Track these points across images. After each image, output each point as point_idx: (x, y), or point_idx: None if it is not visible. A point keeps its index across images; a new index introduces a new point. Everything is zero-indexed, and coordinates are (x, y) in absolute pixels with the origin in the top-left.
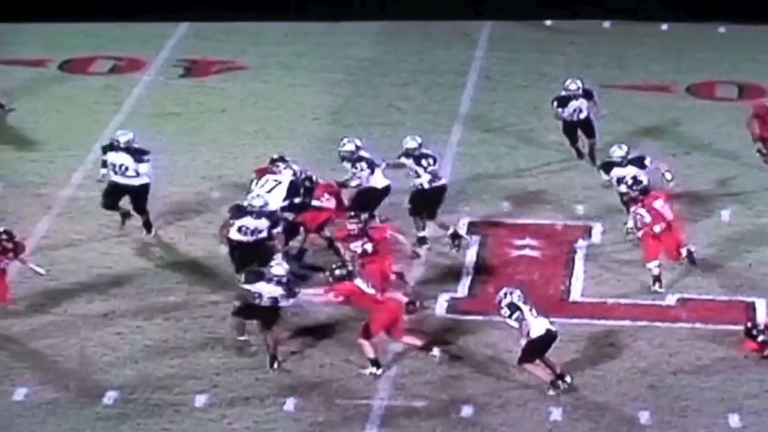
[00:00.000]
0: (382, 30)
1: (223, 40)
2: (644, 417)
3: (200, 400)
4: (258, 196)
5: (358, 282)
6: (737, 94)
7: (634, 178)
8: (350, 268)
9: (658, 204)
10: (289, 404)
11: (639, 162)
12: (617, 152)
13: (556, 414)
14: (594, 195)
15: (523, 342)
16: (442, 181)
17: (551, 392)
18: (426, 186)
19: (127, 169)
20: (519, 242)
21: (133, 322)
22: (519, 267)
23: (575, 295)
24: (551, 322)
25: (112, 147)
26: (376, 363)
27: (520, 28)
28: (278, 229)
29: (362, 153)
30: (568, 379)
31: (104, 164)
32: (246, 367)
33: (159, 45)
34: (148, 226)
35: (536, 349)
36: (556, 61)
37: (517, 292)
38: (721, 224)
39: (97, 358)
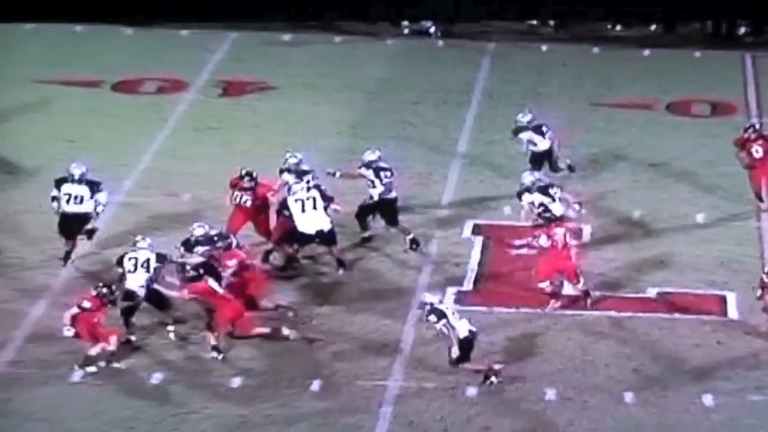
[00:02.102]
0: (395, 53)
1: (256, 63)
2: (628, 397)
3: (236, 382)
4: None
5: (211, 283)
6: (710, 111)
7: (543, 205)
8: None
9: (560, 232)
10: (315, 386)
11: (545, 190)
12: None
13: (551, 394)
14: (585, 200)
15: (455, 345)
16: (393, 195)
17: (494, 380)
18: (376, 198)
19: (82, 199)
20: (518, 242)
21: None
22: (517, 264)
23: (568, 288)
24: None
25: (66, 180)
26: (217, 349)
27: (519, 52)
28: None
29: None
30: (495, 375)
31: (54, 199)
32: (276, 353)
33: (199, 68)
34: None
35: (467, 347)
36: (550, 81)
37: (438, 297)
38: (697, 226)
39: (151, 341)
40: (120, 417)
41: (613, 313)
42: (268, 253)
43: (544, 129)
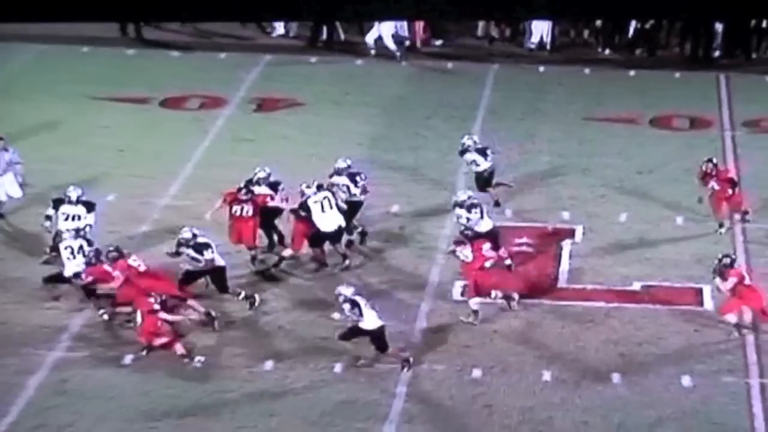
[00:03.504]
0: (410, 74)
1: (286, 82)
2: (616, 378)
3: (268, 364)
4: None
5: (106, 267)
6: (689, 125)
7: (469, 220)
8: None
9: (486, 247)
10: (338, 368)
11: (473, 208)
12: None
13: (547, 376)
14: (577, 204)
15: (350, 325)
16: (362, 198)
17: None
18: (351, 199)
19: (80, 218)
20: (518, 240)
21: (218, 304)
22: (518, 260)
23: (562, 282)
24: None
25: (63, 201)
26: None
27: (519, 73)
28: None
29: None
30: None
31: (48, 218)
32: (303, 338)
33: (236, 86)
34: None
35: (380, 337)
36: (546, 98)
37: (352, 288)
38: (677, 227)
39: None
40: (165, 395)
41: (602, 304)
42: (281, 259)
43: (488, 152)
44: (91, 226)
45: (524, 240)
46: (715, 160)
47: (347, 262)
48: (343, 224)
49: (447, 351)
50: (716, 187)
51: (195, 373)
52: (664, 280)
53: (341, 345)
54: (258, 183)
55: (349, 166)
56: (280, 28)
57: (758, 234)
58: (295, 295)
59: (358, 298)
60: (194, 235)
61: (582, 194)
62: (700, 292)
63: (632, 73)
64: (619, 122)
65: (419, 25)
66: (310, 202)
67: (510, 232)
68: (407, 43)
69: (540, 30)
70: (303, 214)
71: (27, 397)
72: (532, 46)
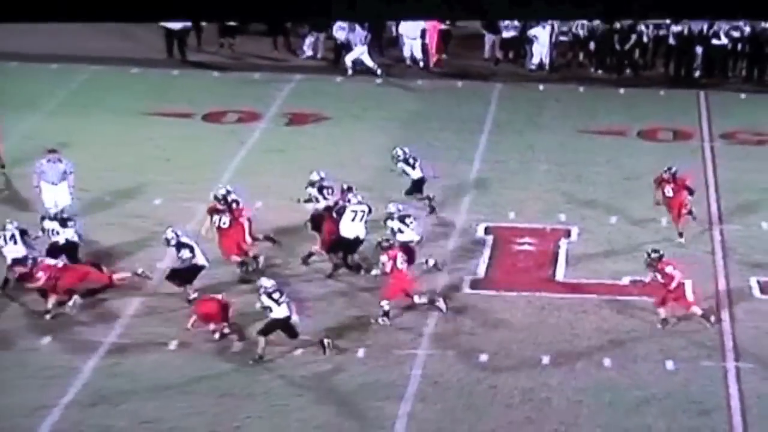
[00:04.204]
0: (423, 91)
1: (314, 99)
2: (607, 362)
3: (298, 351)
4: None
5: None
6: (672, 137)
7: (393, 232)
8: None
9: (400, 258)
10: (360, 353)
11: (402, 219)
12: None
13: (545, 360)
14: (572, 207)
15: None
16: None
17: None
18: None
19: (58, 233)
20: (519, 240)
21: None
22: (519, 257)
23: (559, 277)
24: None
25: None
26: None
27: (520, 91)
28: None
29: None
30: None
31: (43, 230)
32: (330, 326)
33: (270, 102)
34: None
35: (289, 326)
36: (545, 113)
37: (272, 282)
38: (660, 229)
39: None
40: (205, 376)
41: (595, 297)
42: (309, 255)
43: (412, 161)
44: (68, 240)
45: (525, 239)
46: (674, 169)
47: (362, 272)
48: (363, 237)
49: (456, 338)
50: (670, 194)
51: (233, 357)
52: (647, 275)
53: (363, 332)
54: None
55: (321, 179)
56: (308, 50)
57: (735, 234)
58: (322, 289)
59: (275, 291)
60: (177, 235)
61: (576, 198)
62: (681, 285)
63: (621, 90)
64: (609, 134)
65: (432, 47)
66: (348, 209)
67: (512, 232)
68: (421, 63)
69: (540, 53)
70: (335, 216)
71: (83, 379)
72: (533, 67)
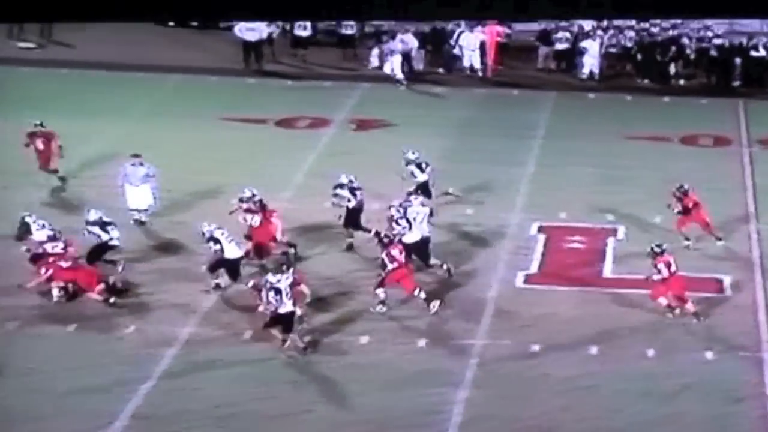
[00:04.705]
0: (481, 99)
1: (380, 106)
2: (650, 353)
3: (363, 339)
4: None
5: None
6: (713, 143)
7: (402, 229)
8: None
9: (396, 252)
10: (421, 343)
11: (398, 220)
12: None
13: (593, 350)
14: (619, 208)
15: (270, 314)
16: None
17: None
18: (353, 206)
19: (99, 235)
20: (570, 238)
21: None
22: (570, 254)
23: (606, 273)
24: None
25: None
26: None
27: (572, 99)
28: None
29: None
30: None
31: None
32: (395, 318)
33: (339, 109)
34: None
35: (281, 321)
36: (593, 120)
37: (278, 276)
38: (698, 228)
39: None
40: (275, 365)
41: (640, 291)
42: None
43: (424, 165)
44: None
45: (575, 238)
46: (686, 187)
47: (445, 266)
48: (427, 235)
49: (511, 329)
50: (678, 210)
51: (298, 346)
52: (691, 271)
53: (424, 324)
54: (242, 200)
55: (351, 181)
56: (375, 60)
57: None
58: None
59: (281, 286)
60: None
61: (623, 200)
62: (721, 282)
63: (666, 99)
64: (653, 140)
65: (490, 59)
66: (409, 212)
67: (563, 231)
68: (480, 73)
69: (590, 64)
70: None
71: (164, 365)
72: (584, 77)
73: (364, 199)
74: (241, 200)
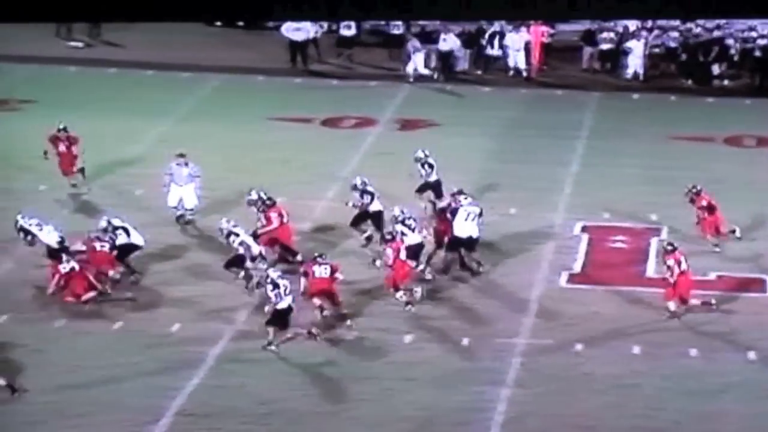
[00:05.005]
0: (524, 99)
1: (425, 106)
2: (693, 352)
3: (407, 338)
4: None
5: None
6: (756, 144)
7: (396, 232)
8: None
9: (389, 251)
10: (465, 341)
11: (404, 221)
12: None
13: (636, 350)
14: (662, 208)
15: (271, 309)
16: (380, 207)
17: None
18: (371, 210)
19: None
20: (613, 238)
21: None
22: (613, 254)
23: (649, 272)
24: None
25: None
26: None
27: (615, 99)
28: None
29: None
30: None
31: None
32: (438, 317)
33: (384, 109)
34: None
35: (280, 317)
36: (637, 121)
37: (278, 272)
38: (743, 227)
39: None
40: (322, 362)
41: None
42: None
43: (434, 165)
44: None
45: (619, 237)
46: (699, 188)
47: (481, 268)
48: (476, 236)
49: (554, 329)
50: (699, 214)
51: (347, 345)
52: (734, 271)
53: (468, 323)
54: (249, 202)
55: (364, 183)
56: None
57: None
58: (428, 287)
59: (280, 281)
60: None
61: (666, 200)
62: (763, 281)
63: (710, 100)
64: (697, 140)
65: (534, 59)
66: (461, 210)
67: (607, 231)
68: (524, 74)
69: (634, 64)
70: (449, 216)
71: (209, 363)
72: (628, 77)
73: (375, 202)
74: (248, 203)
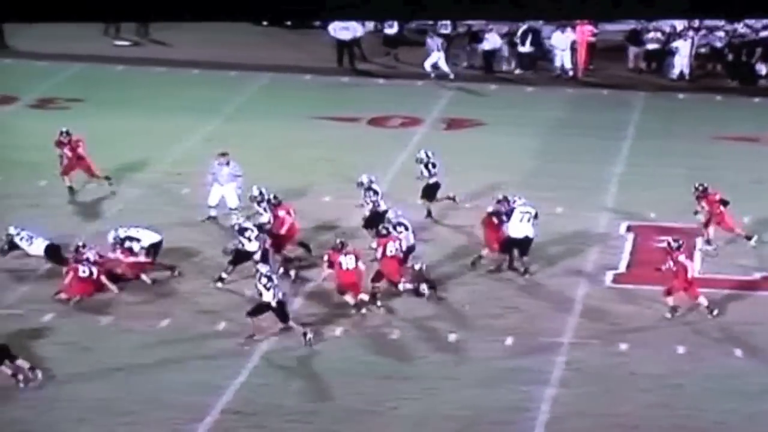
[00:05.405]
0: (570, 99)
1: (471, 106)
2: (737, 352)
3: (451, 337)
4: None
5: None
6: None
7: (385, 228)
8: None
9: (391, 246)
10: (509, 341)
11: (395, 226)
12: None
13: (680, 350)
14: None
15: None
16: (384, 207)
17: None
18: (380, 209)
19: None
20: (659, 238)
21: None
22: (656, 255)
23: (694, 272)
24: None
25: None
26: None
27: (661, 99)
28: None
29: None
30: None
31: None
32: (483, 316)
33: (431, 109)
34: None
35: (266, 309)
36: (683, 121)
37: (267, 267)
38: None
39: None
40: (365, 361)
41: (727, 291)
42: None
43: (432, 166)
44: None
45: (664, 237)
46: (705, 185)
47: (527, 273)
48: (531, 236)
49: (599, 328)
50: (705, 208)
51: (391, 344)
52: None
53: (512, 322)
54: (252, 199)
55: (371, 182)
56: (465, 60)
57: None
58: (474, 287)
59: (272, 275)
60: (242, 222)
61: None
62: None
63: (756, 100)
64: (742, 141)
65: (581, 58)
66: (516, 211)
67: (653, 231)
68: (570, 73)
69: (681, 64)
70: (504, 219)
71: (254, 361)
72: (674, 77)
73: (381, 202)
74: (250, 199)
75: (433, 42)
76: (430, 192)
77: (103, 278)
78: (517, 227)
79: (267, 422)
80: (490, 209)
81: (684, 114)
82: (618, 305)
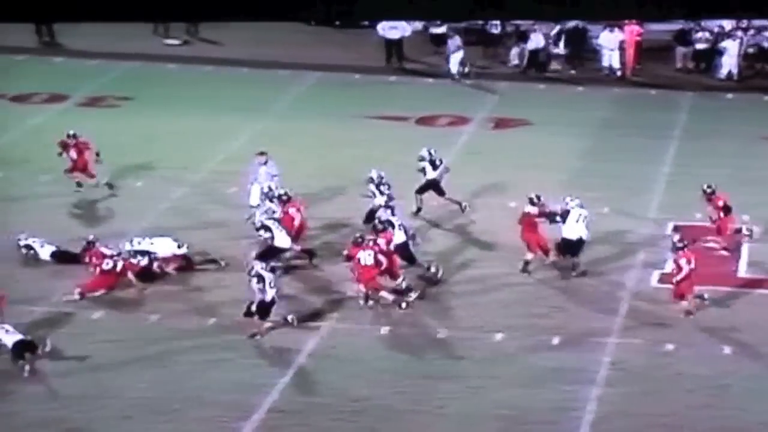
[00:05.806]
0: (617, 99)
1: (518, 106)
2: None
3: (498, 336)
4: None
5: None
6: None
7: (382, 224)
8: None
9: (382, 242)
10: (555, 340)
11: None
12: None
13: (726, 350)
14: (756, 209)
15: (257, 301)
16: (393, 203)
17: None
18: (381, 203)
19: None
20: (706, 238)
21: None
22: (705, 254)
23: (741, 272)
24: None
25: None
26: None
27: (708, 99)
28: None
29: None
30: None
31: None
32: (529, 315)
33: (478, 108)
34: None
35: (265, 310)
36: (730, 121)
37: (261, 264)
38: None
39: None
40: (408, 359)
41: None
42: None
43: (437, 164)
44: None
45: (711, 237)
46: (713, 187)
47: (581, 268)
48: (585, 237)
49: (645, 328)
50: (714, 216)
51: (434, 342)
52: None
53: (558, 321)
54: (269, 197)
55: (381, 177)
56: (515, 59)
57: None
58: (521, 287)
59: (265, 274)
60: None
61: (758, 200)
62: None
63: None
64: None
65: (629, 58)
66: (572, 212)
67: (698, 230)
68: (618, 73)
69: (729, 64)
70: (558, 220)
71: (300, 360)
72: (722, 77)
73: (391, 196)
74: (270, 197)
75: (453, 42)
76: (432, 187)
77: (130, 274)
78: (572, 228)
79: (311, 420)
80: (526, 209)
81: (731, 114)
82: (664, 305)
